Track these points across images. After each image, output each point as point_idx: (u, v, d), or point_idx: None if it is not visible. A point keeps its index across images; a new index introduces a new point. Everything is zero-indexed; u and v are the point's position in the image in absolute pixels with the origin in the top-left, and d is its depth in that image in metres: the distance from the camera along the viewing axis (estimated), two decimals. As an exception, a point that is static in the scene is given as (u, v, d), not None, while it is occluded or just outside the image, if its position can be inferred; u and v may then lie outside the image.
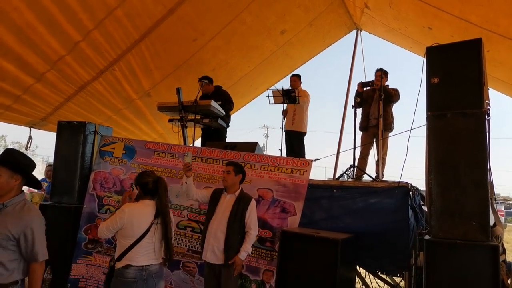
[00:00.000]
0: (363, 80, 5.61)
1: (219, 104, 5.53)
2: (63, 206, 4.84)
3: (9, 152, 2.48)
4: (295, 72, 7.51)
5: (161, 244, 2.93)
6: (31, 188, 6.34)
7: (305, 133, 6.44)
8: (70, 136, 5.03)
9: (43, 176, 6.89)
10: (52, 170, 5.19)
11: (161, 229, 2.90)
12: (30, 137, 6.70)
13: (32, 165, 2.52)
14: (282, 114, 6.15)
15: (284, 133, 6.17)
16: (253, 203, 3.58)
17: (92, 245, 4.80)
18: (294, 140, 6.30)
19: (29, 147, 6.83)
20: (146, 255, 2.86)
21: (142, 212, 2.91)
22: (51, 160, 5.32)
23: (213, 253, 3.45)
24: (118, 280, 2.81)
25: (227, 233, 3.43)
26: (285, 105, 6.02)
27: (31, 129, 6.65)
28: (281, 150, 5.96)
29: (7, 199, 2.32)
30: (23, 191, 2.46)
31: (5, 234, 2.22)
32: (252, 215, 3.53)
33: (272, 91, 5.96)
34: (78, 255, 4.75)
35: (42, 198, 5.64)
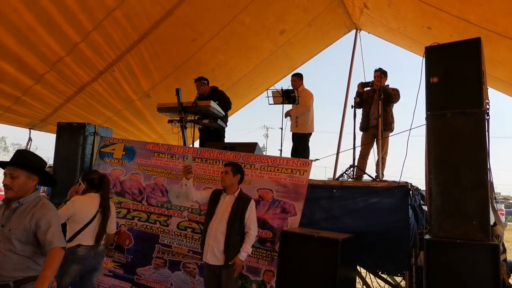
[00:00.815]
0: (363, 80, 5.61)
1: (217, 104, 5.53)
2: (63, 207, 4.83)
3: (23, 154, 2.59)
4: (295, 71, 7.51)
5: (100, 230, 3.54)
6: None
7: (310, 134, 6.42)
8: (69, 137, 5.04)
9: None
10: (52, 171, 5.18)
11: (100, 222, 3.55)
12: (30, 139, 6.72)
13: (45, 164, 2.67)
14: (285, 116, 6.16)
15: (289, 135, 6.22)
16: (252, 203, 3.58)
17: (92, 246, 4.80)
18: (298, 142, 6.29)
19: (29, 149, 6.82)
20: (93, 237, 3.49)
21: (89, 203, 3.59)
22: (51, 162, 5.32)
23: (213, 254, 3.45)
24: (70, 258, 3.34)
25: (226, 234, 3.43)
26: (289, 106, 6.04)
27: (31, 130, 6.66)
28: (281, 150, 5.96)
29: (23, 198, 2.45)
30: (37, 188, 2.58)
31: (23, 229, 2.35)
32: (251, 215, 3.53)
33: (272, 92, 5.95)
34: (78, 257, 4.74)
35: None
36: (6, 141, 42.10)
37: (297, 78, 6.38)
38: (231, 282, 3.44)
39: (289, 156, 6.13)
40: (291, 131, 6.32)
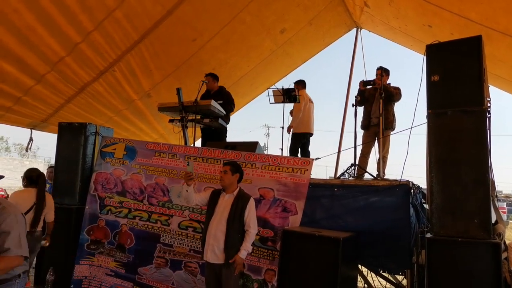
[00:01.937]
0: (364, 79, 5.60)
1: (220, 104, 5.54)
2: (64, 207, 4.85)
3: None
4: (295, 71, 7.55)
5: (35, 218, 4.09)
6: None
7: (311, 134, 6.52)
8: (71, 137, 5.04)
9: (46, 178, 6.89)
10: (54, 171, 5.20)
11: (34, 212, 4.09)
12: (31, 139, 6.71)
13: None
14: (290, 114, 6.24)
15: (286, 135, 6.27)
16: (251, 201, 3.59)
17: (95, 246, 4.82)
18: (298, 142, 6.31)
19: (30, 149, 6.84)
20: (29, 225, 3.98)
21: (26, 196, 4.16)
22: (53, 162, 5.34)
23: (214, 253, 3.46)
24: None
25: (226, 233, 3.44)
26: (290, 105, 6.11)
27: (32, 130, 6.66)
28: (282, 149, 5.96)
29: None
30: None
31: None
32: (251, 213, 3.54)
33: (272, 91, 5.96)
34: (80, 256, 4.76)
35: None
36: (8, 141, 42.25)
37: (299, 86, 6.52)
38: (231, 280, 3.45)
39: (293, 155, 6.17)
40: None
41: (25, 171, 4.45)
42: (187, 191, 3.65)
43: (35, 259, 5.40)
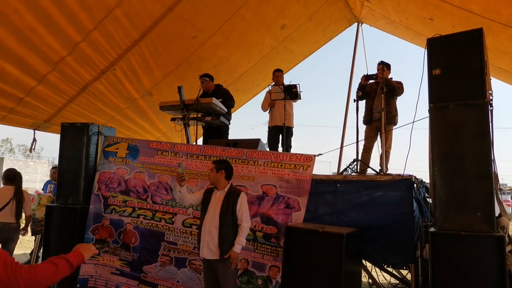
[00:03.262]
0: (364, 74, 5.57)
1: (221, 102, 5.52)
2: (69, 207, 4.87)
3: None
4: (296, 66, 7.48)
5: (16, 212, 4.94)
6: (38, 190, 6.40)
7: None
8: (73, 137, 5.06)
9: (49, 179, 6.93)
10: (57, 172, 5.22)
11: (15, 205, 4.93)
12: (34, 139, 6.74)
13: None
14: (269, 106, 6.11)
15: (271, 129, 6.18)
16: (242, 196, 3.63)
17: (100, 245, 4.84)
18: (288, 135, 6.20)
19: (34, 149, 6.86)
20: (6, 217, 4.86)
21: (4, 192, 4.96)
22: (57, 162, 5.37)
23: (209, 249, 3.51)
24: None
25: (220, 228, 3.50)
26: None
27: (35, 131, 6.69)
28: (283, 146, 5.94)
29: None
30: None
31: None
32: (242, 207, 3.58)
33: (273, 87, 5.93)
34: (85, 255, 4.78)
35: (50, 200, 5.67)
36: (12, 142, 42.45)
37: (282, 74, 6.29)
38: (228, 275, 3.49)
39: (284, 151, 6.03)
40: (278, 124, 6.09)
41: (3, 171, 5.20)
42: (180, 191, 3.72)
43: (39, 258, 5.46)
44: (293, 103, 6.28)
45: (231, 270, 3.49)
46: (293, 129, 6.40)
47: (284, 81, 6.19)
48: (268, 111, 6.40)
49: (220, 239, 3.48)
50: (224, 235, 3.48)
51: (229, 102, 5.99)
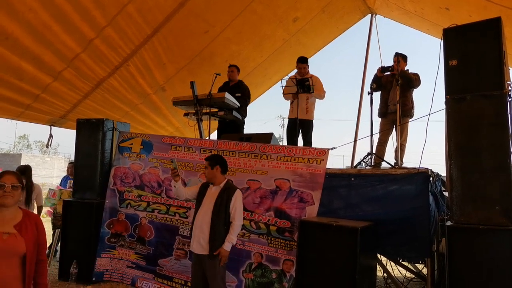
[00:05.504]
0: (381, 65, 5.47)
1: (238, 97, 5.51)
2: (85, 202, 4.97)
3: None
4: (309, 59, 7.36)
5: (26, 199, 4.78)
6: (59, 185, 6.54)
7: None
8: (89, 133, 5.14)
9: (66, 174, 7.05)
10: (74, 167, 5.31)
11: (26, 193, 4.74)
12: (50, 135, 6.86)
13: None
14: (292, 98, 5.97)
15: (291, 121, 6.05)
16: (237, 193, 3.57)
17: (115, 239, 4.92)
18: (307, 129, 6.15)
19: (50, 145, 6.99)
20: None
21: None
22: (73, 158, 5.47)
23: (199, 244, 3.47)
24: None
25: (211, 224, 3.45)
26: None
27: (52, 127, 6.81)
28: (297, 140, 5.90)
29: None
30: None
31: None
32: (236, 205, 3.52)
33: (286, 81, 5.88)
34: (101, 249, 4.87)
35: (70, 195, 5.77)
36: (29, 138, 43.33)
37: (307, 65, 6.16)
38: (216, 272, 3.43)
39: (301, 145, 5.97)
40: (299, 117, 5.75)
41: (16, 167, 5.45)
42: (175, 186, 3.74)
43: (58, 252, 5.58)
44: (316, 98, 6.19)
45: (219, 267, 3.44)
46: (313, 121, 6.30)
47: (309, 71, 6.13)
48: (290, 102, 6.27)
49: (211, 235, 3.43)
50: (215, 231, 3.43)
51: (245, 100, 6.03)
